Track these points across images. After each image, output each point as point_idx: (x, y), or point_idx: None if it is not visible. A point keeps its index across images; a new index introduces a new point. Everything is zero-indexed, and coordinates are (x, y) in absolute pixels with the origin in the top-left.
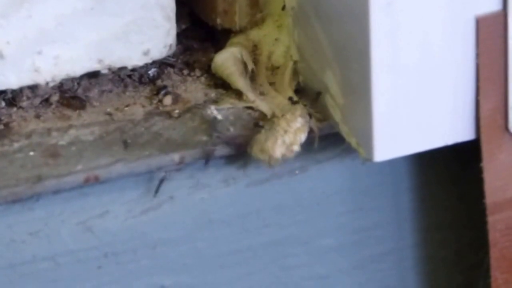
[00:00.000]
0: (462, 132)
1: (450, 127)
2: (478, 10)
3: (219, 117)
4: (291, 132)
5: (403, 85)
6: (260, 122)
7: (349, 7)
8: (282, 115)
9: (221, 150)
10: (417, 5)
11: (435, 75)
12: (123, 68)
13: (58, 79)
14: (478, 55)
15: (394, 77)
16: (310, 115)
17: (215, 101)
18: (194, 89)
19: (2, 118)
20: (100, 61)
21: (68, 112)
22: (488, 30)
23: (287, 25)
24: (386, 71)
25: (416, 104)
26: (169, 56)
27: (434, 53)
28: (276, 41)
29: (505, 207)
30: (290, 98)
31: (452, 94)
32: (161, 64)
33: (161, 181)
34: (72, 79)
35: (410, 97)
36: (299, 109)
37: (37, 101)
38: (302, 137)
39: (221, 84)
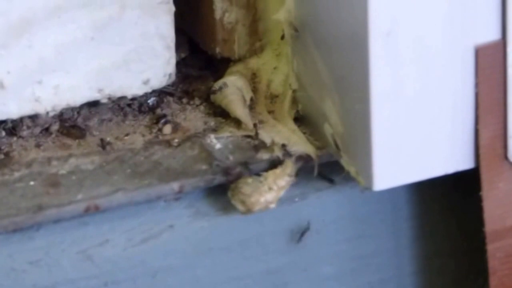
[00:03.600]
0: (461, 161)
1: (449, 156)
2: (477, 39)
3: (219, 145)
4: (274, 191)
5: (403, 114)
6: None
7: (349, 36)
8: (272, 169)
9: (221, 179)
10: (416, 34)
11: (435, 104)
12: (122, 97)
13: (58, 108)
14: (477, 84)
15: (394, 106)
16: (297, 174)
17: (214, 130)
18: (193, 118)
19: (3, 147)
20: (100, 90)
21: (68, 141)
22: (487, 59)
23: (286, 54)
24: (385, 100)
25: (416, 133)
26: (168, 85)
27: (434, 82)
28: (275, 69)
29: (504, 235)
30: (283, 145)
31: (451, 123)
32: (161, 93)
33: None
34: (72, 108)
35: (410, 126)
36: (290, 166)
37: (37, 130)
38: (282, 193)
39: (220, 113)
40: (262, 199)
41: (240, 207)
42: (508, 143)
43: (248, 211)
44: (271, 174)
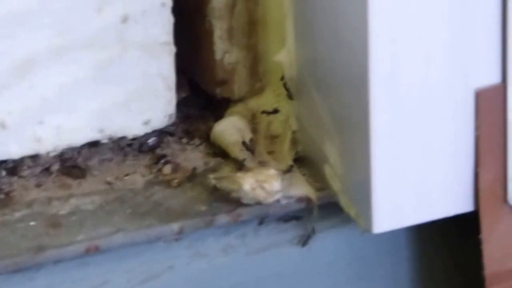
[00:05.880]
0: (461, 204)
1: (449, 199)
2: (477, 83)
3: (219, 186)
4: (263, 174)
5: (403, 156)
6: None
7: (349, 78)
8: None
9: (220, 220)
10: (416, 77)
11: (435, 146)
12: (123, 137)
13: (59, 149)
14: (477, 127)
15: (394, 149)
16: (284, 172)
17: (214, 170)
18: (193, 158)
19: (3, 187)
20: (101, 130)
21: (68, 181)
22: (487, 102)
23: (286, 95)
24: (386, 143)
25: (416, 176)
26: (168, 125)
27: (434, 124)
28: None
29: (504, 278)
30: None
31: (451, 166)
32: (161, 133)
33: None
34: (73, 148)
35: (410, 168)
36: (274, 169)
37: (38, 170)
38: (275, 184)
39: (220, 153)
40: (250, 174)
41: (231, 186)
42: (508, 186)
43: (239, 187)
44: (256, 167)
